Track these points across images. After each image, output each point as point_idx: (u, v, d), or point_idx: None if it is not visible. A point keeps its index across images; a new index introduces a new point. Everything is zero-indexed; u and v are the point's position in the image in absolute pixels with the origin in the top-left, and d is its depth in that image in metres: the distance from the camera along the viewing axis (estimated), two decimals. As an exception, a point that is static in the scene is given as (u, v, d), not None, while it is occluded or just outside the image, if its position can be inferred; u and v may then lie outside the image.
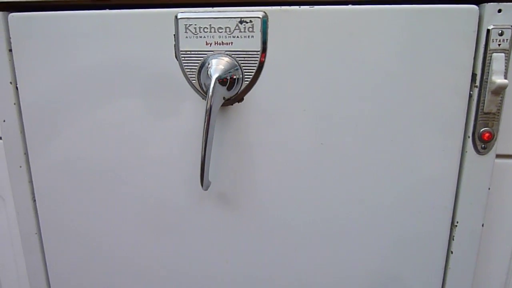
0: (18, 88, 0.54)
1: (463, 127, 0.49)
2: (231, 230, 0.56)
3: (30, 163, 0.57)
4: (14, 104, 0.55)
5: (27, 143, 0.56)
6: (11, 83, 0.54)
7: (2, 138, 0.57)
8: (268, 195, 0.54)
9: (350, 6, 0.47)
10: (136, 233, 0.57)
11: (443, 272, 0.55)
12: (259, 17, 0.47)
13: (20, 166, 0.57)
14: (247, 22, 0.48)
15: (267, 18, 0.48)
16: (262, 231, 0.55)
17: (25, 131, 0.56)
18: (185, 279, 0.59)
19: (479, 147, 0.49)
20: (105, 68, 0.52)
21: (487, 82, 0.47)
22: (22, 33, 0.52)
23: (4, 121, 0.56)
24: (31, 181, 0.58)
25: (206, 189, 0.51)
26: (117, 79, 0.52)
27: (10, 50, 0.53)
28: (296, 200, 0.53)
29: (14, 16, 0.52)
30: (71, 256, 0.60)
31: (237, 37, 0.48)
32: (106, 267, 0.60)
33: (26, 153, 0.57)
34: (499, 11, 0.46)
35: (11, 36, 0.53)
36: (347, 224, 0.54)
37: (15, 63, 0.54)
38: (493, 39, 0.46)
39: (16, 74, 0.54)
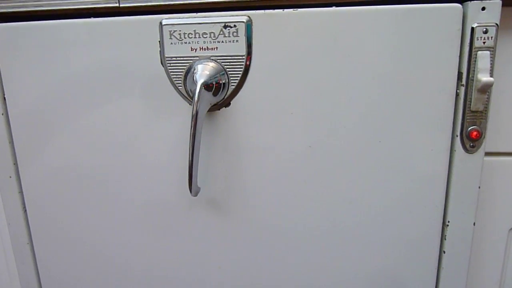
0: (6, 99, 0.54)
1: (451, 126, 0.49)
2: (222, 235, 0.56)
3: (20, 174, 0.57)
4: (2, 114, 0.55)
5: (16, 153, 0.56)
6: (-2, 93, 0.54)
7: (-9, 149, 0.57)
8: (258, 199, 0.54)
9: (333, 8, 0.47)
10: (127, 240, 0.57)
11: (436, 272, 0.54)
12: (243, 22, 0.47)
13: (10, 177, 0.57)
14: (231, 27, 0.48)
15: (251, 22, 0.48)
16: (253, 235, 0.55)
17: (14, 141, 0.56)
18: (177, 285, 0.58)
19: (467, 146, 0.49)
20: (92, 76, 0.52)
21: (473, 80, 0.47)
22: (9, 44, 0.52)
23: (-8, 131, 0.56)
24: (21, 192, 0.58)
25: (195, 195, 0.50)
26: (104, 87, 0.52)
27: (-3, 61, 0.53)
28: (286, 203, 0.53)
29: (0, 27, 0.52)
30: (63, 265, 0.60)
31: (222, 42, 0.48)
32: (98, 275, 0.59)
33: (15, 164, 0.57)
34: (483, 9, 0.46)
35: (-3, 46, 0.53)
36: (338, 226, 0.53)
37: (2, 74, 0.54)
38: (477, 37, 0.46)
39: (4, 84, 0.54)
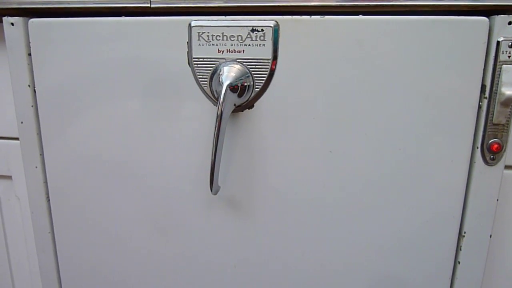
0: (36, 91, 0.56)
1: (472, 138, 0.49)
2: (238, 235, 0.56)
3: (46, 164, 0.59)
4: (32, 106, 0.57)
5: (43, 144, 0.58)
6: (29, 86, 0.56)
7: (20, 139, 0.58)
8: (276, 200, 0.54)
9: (360, 17, 0.48)
10: (146, 236, 0.59)
11: (450, 282, 0.55)
12: (270, 26, 0.48)
13: (36, 167, 0.59)
14: (258, 31, 0.49)
15: (279, 27, 0.49)
16: (269, 236, 0.56)
17: (41, 132, 0.57)
18: (193, 283, 0.59)
19: (487, 158, 0.50)
20: (120, 72, 0.53)
21: (496, 93, 0.47)
22: (41, 38, 0.54)
23: (21, 122, 0.58)
24: (45, 182, 0.60)
25: (215, 194, 0.52)
26: (132, 84, 0.53)
27: (29, 54, 0.55)
28: (303, 206, 0.54)
29: (33, 21, 0.54)
30: (82, 255, 0.61)
31: (249, 45, 0.49)
32: (116, 267, 0.61)
33: (42, 154, 0.59)
34: (510, 23, 0.46)
35: (30, 40, 0.54)
36: (354, 232, 0.54)
37: (33, 67, 0.55)
38: (503, 51, 0.46)
39: (34, 77, 0.56)
